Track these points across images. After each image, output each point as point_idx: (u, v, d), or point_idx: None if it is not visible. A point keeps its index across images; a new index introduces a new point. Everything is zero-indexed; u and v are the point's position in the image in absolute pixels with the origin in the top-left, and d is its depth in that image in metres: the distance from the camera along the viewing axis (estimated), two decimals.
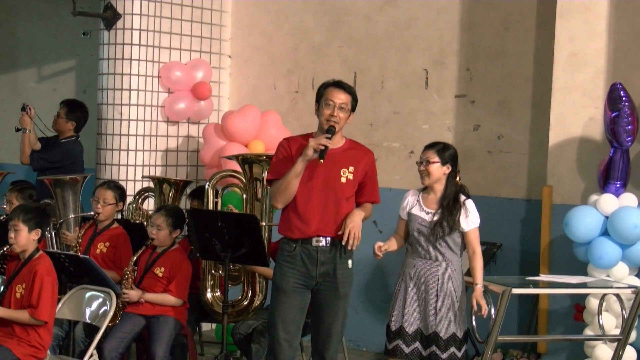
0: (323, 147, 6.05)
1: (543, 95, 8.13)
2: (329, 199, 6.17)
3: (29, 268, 6.35)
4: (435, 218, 6.42)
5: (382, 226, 8.48)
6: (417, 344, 6.43)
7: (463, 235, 6.47)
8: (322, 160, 6.07)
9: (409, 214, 6.54)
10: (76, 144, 9.32)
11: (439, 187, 6.48)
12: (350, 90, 6.27)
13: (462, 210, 6.43)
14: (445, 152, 6.47)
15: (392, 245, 6.55)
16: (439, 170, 6.45)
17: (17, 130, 9.32)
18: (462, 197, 6.48)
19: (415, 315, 6.46)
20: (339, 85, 6.25)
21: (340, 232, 6.17)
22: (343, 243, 6.16)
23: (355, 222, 6.17)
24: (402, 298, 6.50)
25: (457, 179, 6.55)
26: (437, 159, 6.44)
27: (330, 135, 6.11)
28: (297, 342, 6.34)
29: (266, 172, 7.36)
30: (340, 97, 6.20)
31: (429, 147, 6.52)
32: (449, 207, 6.41)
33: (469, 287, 6.66)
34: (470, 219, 6.45)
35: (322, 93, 6.25)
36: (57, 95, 10.66)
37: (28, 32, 11.62)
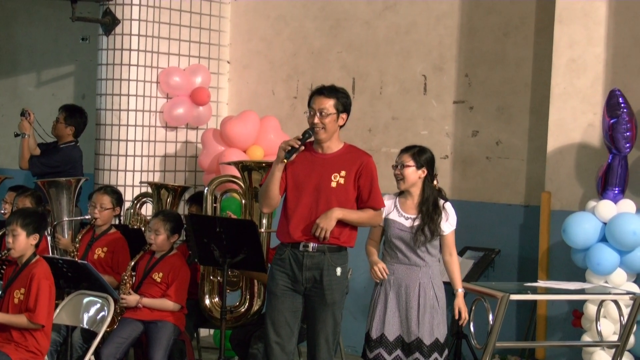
0: (290, 148, 6.08)
1: (542, 101, 8.13)
2: (319, 204, 6.16)
3: (27, 272, 6.35)
4: (416, 223, 6.37)
5: None
6: (399, 352, 6.40)
7: (440, 238, 6.44)
8: (285, 161, 6.11)
9: (387, 219, 6.47)
10: (75, 149, 9.32)
11: (416, 192, 6.43)
12: (332, 94, 6.22)
13: (443, 214, 6.41)
14: (421, 155, 6.43)
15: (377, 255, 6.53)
16: (414, 174, 6.40)
17: (17, 135, 9.33)
18: (441, 201, 6.44)
19: (396, 322, 6.42)
20: (319, 91, 6.25)
21: (317, 236, 6.16)
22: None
23: (326, 215, 6.12)
24: (382, 305, 6.47)
25: (435, 182, 6.50)
26: (411, 162, 6.40)
27: (302, 138, 6.13)
28: (290, 346, 6.33)
29: None
30: (319, 103, 6.19)
31: (405, 150, 6.48)
32: (429, 212, 6.37)
33: (465, 293, 6.67)
34: (449, 221, 6.44)
35: (308, 101, 6.28)
36: (56, 100, 10.67)
37: (28, 37, 11.62)
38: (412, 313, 6.37)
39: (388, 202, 6.48)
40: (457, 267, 6.49)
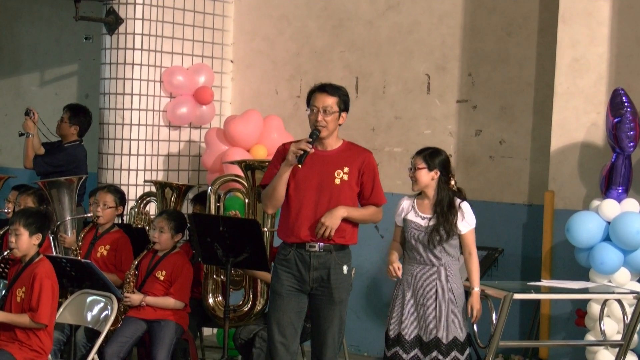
0: (302, 152, 6.06)
1: (545, 100, 8.13)
2: (323, 202, 6.16)
3: (29, 272, 6.35)
4: (431, 223, 6.39)
5: (384, 231, 8.47)
6: (417, 351, 6.41)
7: (459, 237, 6.46)
8: (300, 165, 6.09)
9: (405, 220, 6.51)
10: (79, 148, 9.34)
11: (431, 193, 6.45)
12: (334, 91, 6.23)
13: (459, 214, 6.41)
14: (433, 157, 6.44)
15: (397, 257, 6.53)
16: (426, 176, 6.42)
17: (21, 134, 9.34)
18: (458, 201, 6.45)
19: (413, 322, 6.44)
20: (321, 89, 6.24)
21: (321, 235, 6.15)
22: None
23: (330, 213, 6.13)
24: (400, 305, 6.48)
25: (452, 183, 6.52)
26: (423, 164, 6.42)
27: (311, 140, 6.11)
28: (294, 346, 6.32)
29: None
30: (323, 101, 6.19)
31: (418, 152, 6.51)
32: (444, 212, 6.38)
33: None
34: (466, 220, 6.43)
35: (309, 99, 6.27)
36: (60, 100, 10.67)
37: (31, 36, 11.63)
38: (430, 312, 6.39)
39: (406, 203, 6.54)
40: (476, 266, 6.47)
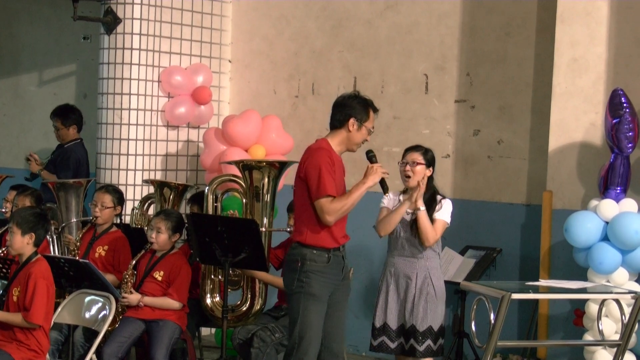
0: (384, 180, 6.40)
1: (543, 100, 8.12)
2: None
3: (25, 271, 6.36)
4: (414, 217, 6.61)
5: None
6: (402, 339, 6.67)
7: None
8: (389, 194, 6.53)
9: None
10: (80, 148, 9.37)
11: (421, 188, 6.64)
12: None
13: (438, 206, 6.67)
14: (428, 154, 6.74)
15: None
16: (422, 172, 6.66)
17: (32, 175, 9.43)
18: (439, 197, 6.72)
19: (397, 311, 6.68)
20: (376, 111, 6.51)
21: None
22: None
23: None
24: (384, 296, 6.74)
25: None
26: (422, 160, 6.69)
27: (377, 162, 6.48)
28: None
29: (267, 178, 7.41)
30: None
31: (413, 149, 6.77)
32: (426, 204, 6.60)
33: (467, 292, 6.71)
34: (442, 212, 6.66)
35: (367, 115, 6.42)
36: (58, 100, 10.67)
37: (29, 36, 11.63)
38: (409, 302, 6.64)
39: (392, 196, 6.76)
40: (427, 229, 6.61)
